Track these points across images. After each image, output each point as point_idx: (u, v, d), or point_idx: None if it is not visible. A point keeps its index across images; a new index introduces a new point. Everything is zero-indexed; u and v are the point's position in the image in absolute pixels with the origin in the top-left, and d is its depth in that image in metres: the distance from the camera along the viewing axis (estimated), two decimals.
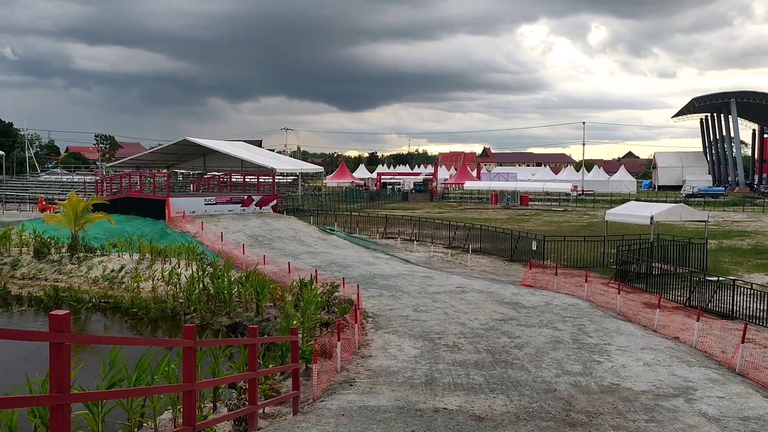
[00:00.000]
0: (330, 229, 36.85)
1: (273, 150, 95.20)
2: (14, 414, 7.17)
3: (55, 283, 23.91)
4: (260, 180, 44.77)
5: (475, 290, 19.67)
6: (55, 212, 34.36)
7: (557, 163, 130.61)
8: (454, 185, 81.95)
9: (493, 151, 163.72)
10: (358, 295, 15.82)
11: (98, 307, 21.85)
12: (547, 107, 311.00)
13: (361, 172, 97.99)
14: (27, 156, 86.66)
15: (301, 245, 30.79)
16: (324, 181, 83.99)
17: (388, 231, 36.96)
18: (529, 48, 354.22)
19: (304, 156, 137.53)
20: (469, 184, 76.33)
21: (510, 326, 14.78)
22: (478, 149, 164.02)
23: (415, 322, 15.16)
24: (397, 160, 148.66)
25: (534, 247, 26.63)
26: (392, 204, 64.73)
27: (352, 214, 43.43)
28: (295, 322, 13.38)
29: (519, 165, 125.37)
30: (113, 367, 8.49)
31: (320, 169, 75.52)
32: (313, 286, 16.88)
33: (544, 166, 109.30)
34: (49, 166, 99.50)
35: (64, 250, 26.75)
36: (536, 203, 65.61)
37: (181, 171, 67.84)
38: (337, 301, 16.86)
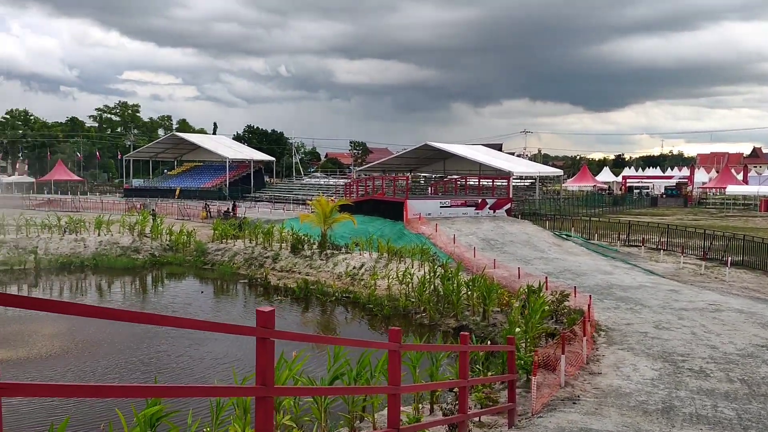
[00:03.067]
0: (566, 235, 35.29)
1: (512, 153, 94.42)
2: (248, 399, 7.87)
3: (306, 277, 26.46)
4: (495, 183, 44.62)
5: (733, 309, 17.18)
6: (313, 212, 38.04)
7: None
8: (713, 189, 73.16)
9: (764, 151, 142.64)
10: (589, 305, 14.79)
11: (340, 301, 23.60)
12: None
13: (605, 176, 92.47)
14: (293, 161, 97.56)
15: (533, 250, 29.95)
16: (564, 185, 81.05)
17: (631, 238, 34.21)
18: None
19: (545, 159, 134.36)
20: (732, 189, 67.46)
21: None
22: (745, 149, 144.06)
23: (654, 340, 13.71)
24: (647, 162, 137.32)
25: None
26: (638, 209, 59.92)
27: (592, 219, 41.08)
28: (518, 329, 12.95)
29: None
30: (337, 360, 8.96)
31: (559, 172, 72.87)
32: (541, 294, 16.22)
33: None
34: (311, 170, 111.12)
35: (315, 246, 29.49)
36: None
37: (423, 174, 70.71)
38: (566, 310, 15.99)
